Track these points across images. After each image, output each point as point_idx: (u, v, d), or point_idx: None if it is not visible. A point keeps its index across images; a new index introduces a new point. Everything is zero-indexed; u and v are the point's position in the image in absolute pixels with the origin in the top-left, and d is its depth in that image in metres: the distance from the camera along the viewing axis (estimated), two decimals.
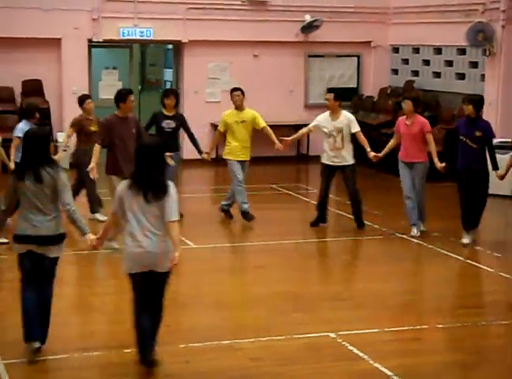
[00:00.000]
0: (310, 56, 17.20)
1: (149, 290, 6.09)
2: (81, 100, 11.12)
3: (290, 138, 11.23)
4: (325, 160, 10.94)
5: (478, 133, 9.98)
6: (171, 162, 10.65)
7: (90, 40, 15.82)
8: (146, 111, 14.40)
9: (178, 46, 16.54)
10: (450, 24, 15.32)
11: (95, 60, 16.30)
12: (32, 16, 15.25)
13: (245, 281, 8.87)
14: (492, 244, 10.36)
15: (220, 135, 11.47)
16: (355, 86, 17.56)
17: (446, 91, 15.72)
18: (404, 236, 10.57)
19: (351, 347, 6.67)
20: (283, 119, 15.50)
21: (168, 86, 17.38)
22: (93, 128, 10.92)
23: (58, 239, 6.33)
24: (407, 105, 10.36)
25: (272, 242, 10.22)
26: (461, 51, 15.44)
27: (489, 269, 9.24)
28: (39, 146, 6.27)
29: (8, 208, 6.63)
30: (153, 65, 19.33)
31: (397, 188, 10.99)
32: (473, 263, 9.47)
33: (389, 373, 6.24)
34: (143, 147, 6.11)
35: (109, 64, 16.72)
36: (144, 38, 16.15)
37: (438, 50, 16.10)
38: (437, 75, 16.15)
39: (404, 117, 10.50)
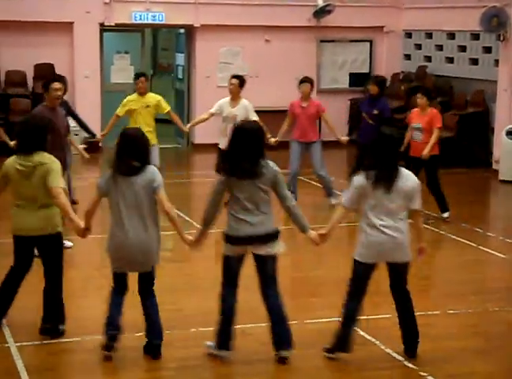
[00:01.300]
0: (322, 41, 17.10)
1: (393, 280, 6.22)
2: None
3: (189, 125, 11.51)
4: (221, 145, 10.99)
5: (376, 111, 10.81)
6: (86, 155, 10.12)
7: (102, 24, 15.78)
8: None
9: (190, 30, 16.49)
10: (464, 9, 15.19)
11: (107, 44, 16.26)
12: (44, 1, 15.23)
13: None
14: (504, 230, 10.33)
15: (117, 119, 11.22)
16: (367, 71, 17.48)
17: (459, 77, 15.62)
18: None
19: (362, 333, 6.67)
20: None
21: (180, 70, 17.34)
22: None
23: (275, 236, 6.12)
24: (306, 87, 11.02)
25: (285, 227, 10.19)
26: (475, 36, 15.31)
27: (501, 255, 9.22)
28: (253, 140, 5.96)
29: (209, 218, 6.12)
30: (165, 49, 19.29)
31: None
32: (485, 249, 9.45)
33: (400, 358, 6.24)
34: (384, 137, 6.03)
35: (121, 48, 16.69)
36: (156, 22, 16.10)
37: (451, 36, 15.98)
38: (450, 60, 16.04)
39: (299, 100, 11.12)
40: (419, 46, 16.95)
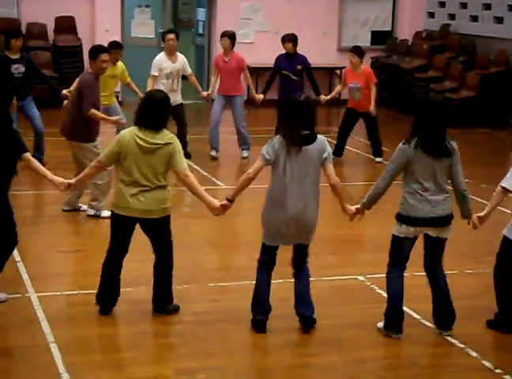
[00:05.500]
0: None
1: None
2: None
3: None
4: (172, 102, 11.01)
5: (299, 67, 11.38)
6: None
7: None
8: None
9: None
10: None
11: None
12: None
13: None
14: None
15: None
16: (389, 29, 17.28)
17: (482, 36, 15.40)
18: None
19: (379, 291, 6.70)
20: (315, 61, 15.31)
21: (201, 26, 17.21)
22: None
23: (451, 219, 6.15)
24: (225, 42, 11.22)
25: None
26: None
27: None
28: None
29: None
30: (186, 4, 19.11)
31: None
32: (505, 210, 9.38)
33: (417, 316, 6.27)
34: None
35: (142, 2, 16.59)
36: None
37: None
38: (474, 19, 15.80)
39: (222, 53, 11.40)
40: (442, 4, 16.70)
